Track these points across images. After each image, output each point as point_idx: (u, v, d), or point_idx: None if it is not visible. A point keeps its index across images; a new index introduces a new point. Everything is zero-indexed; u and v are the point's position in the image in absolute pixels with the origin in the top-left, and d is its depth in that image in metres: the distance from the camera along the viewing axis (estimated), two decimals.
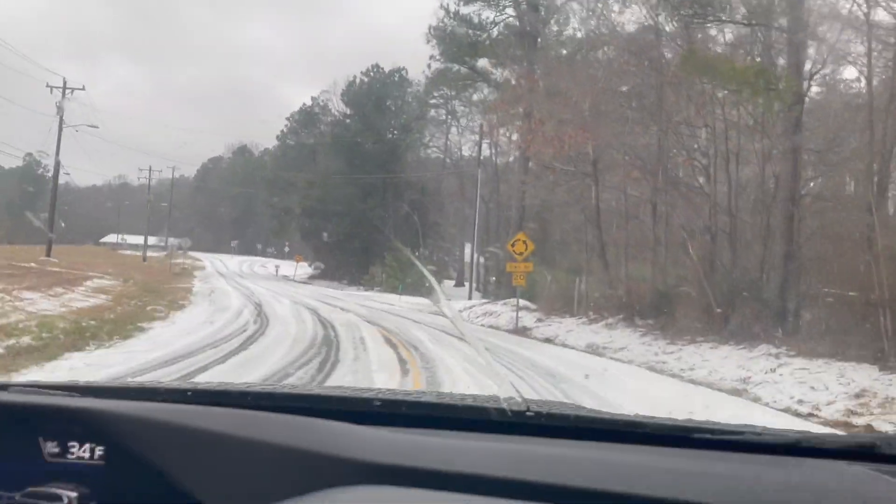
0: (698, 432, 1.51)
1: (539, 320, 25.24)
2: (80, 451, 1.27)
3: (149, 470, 1.23)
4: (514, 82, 29.38)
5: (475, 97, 36.10)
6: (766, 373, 14.66)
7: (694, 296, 19.02)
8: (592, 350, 18.95)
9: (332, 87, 64.53)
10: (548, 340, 21.40)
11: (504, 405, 1.50)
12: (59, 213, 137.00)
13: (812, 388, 13.16)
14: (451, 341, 15.90)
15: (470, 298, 38.83)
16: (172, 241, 69.59)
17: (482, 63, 32.22)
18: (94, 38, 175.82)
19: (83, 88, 42.77)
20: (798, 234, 18.66)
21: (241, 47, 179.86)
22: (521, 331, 23.60)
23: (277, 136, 70.19)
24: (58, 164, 41.62)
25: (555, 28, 34.77)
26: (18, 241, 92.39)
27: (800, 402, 12.50)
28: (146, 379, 8.59)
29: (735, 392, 13.28)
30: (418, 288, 53.10)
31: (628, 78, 20.40)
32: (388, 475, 1.19)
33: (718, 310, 18.51)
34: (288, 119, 69.92)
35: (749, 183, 21.53)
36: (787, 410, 11.68)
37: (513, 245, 24.45)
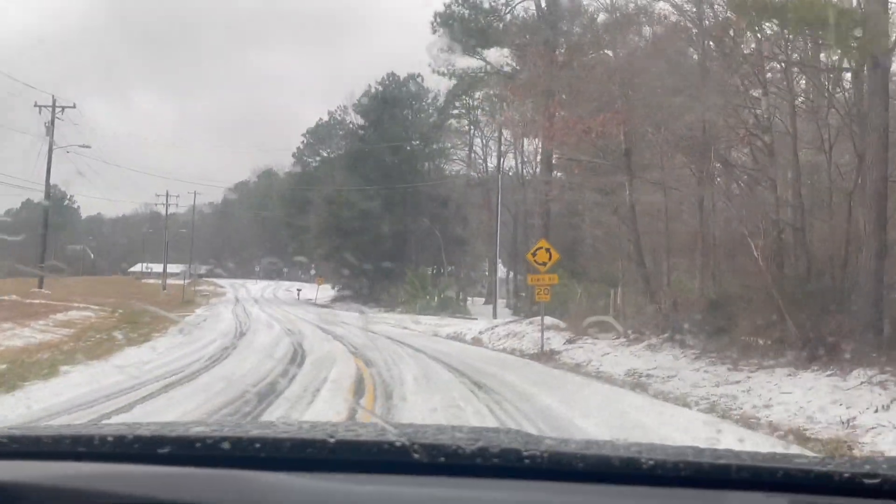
0: (628, 465, 1.45)
1: (569, 341, 21.30)
2: None
3: None
4: (529, 69, 25.58)
5: (490, 92, 32.13)
6: (875, 411, 10.64)
7: (759, 307, 15.02)
8: (633, 381, 15.01)
9: (348, 98, 61.18)
10: (578, 368, 17.49)
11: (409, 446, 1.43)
12: (86, 244, 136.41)
13: None
14: (448, 381, 12.19)
15: (495, 317, 34.89)
16: (185, 268, 66.41)
17: (495, 55, 28.56)
18: (120, 72, 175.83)
19: (74, 106, 40.20)
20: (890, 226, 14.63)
21: (262, 74, 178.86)
22: (546, 356, 19.71)
23: (294, 154, 67.08)
24: (48, 188, 38.77)
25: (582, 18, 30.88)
26: (31, 274, 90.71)
27: None
28: None
29: (841, 445, 9.30)
30: (444, 307, 49.20)
31: (666, 41, 16.54)
32: None
33: (793, 324, 14.47)
34: (304, 135, 66.74)
35: (814, 167, 17.48)
36: None
37: (534, 254, 20.59)
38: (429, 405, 9.48)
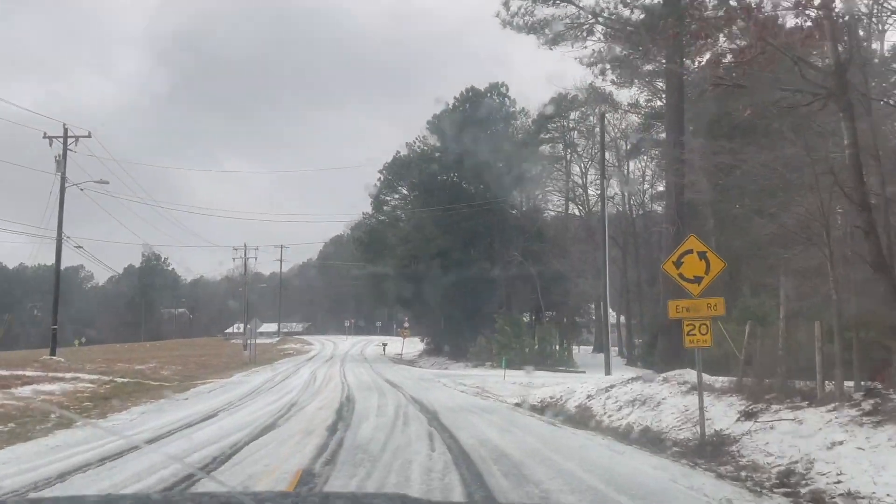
0: None
1: (745, 415, 12.07)
2: None
3: None
4: None
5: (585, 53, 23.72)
6: None
7: None
8: None
9: (428, 123, 53.54)
10: (785, 480, 8.50)
11: None
12: (184, 307, 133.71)
13: None
14: None
15: (608, 372, 25.68)
16: (248, 326, 59.63)
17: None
18: (207, 138, 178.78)
19: (89, 136, 34.00)
20: None
21: (342, 131, 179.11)
22: (713, 449, 10.68)
23: (370, 193, 59.61)
24: (60, 240, 32.49)
25: None
26: (128, 339, 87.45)
27: None
28: None
29: None
30: (544, 358, 39.96)
31: None
32: None
33: None
34: (381, 171, 59.30)
35: None
36: None
37: (677, 262, 11.62)
38: None
